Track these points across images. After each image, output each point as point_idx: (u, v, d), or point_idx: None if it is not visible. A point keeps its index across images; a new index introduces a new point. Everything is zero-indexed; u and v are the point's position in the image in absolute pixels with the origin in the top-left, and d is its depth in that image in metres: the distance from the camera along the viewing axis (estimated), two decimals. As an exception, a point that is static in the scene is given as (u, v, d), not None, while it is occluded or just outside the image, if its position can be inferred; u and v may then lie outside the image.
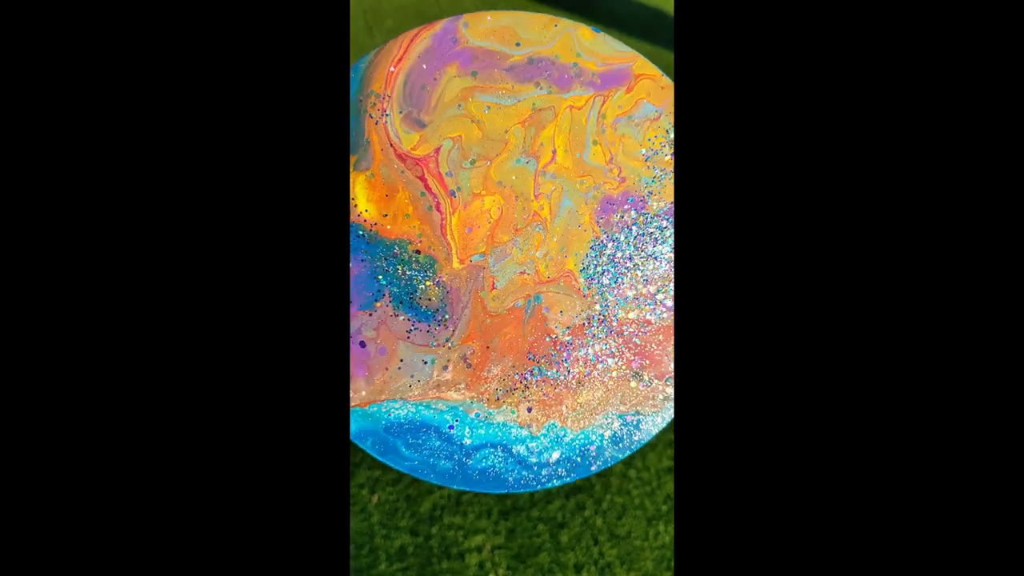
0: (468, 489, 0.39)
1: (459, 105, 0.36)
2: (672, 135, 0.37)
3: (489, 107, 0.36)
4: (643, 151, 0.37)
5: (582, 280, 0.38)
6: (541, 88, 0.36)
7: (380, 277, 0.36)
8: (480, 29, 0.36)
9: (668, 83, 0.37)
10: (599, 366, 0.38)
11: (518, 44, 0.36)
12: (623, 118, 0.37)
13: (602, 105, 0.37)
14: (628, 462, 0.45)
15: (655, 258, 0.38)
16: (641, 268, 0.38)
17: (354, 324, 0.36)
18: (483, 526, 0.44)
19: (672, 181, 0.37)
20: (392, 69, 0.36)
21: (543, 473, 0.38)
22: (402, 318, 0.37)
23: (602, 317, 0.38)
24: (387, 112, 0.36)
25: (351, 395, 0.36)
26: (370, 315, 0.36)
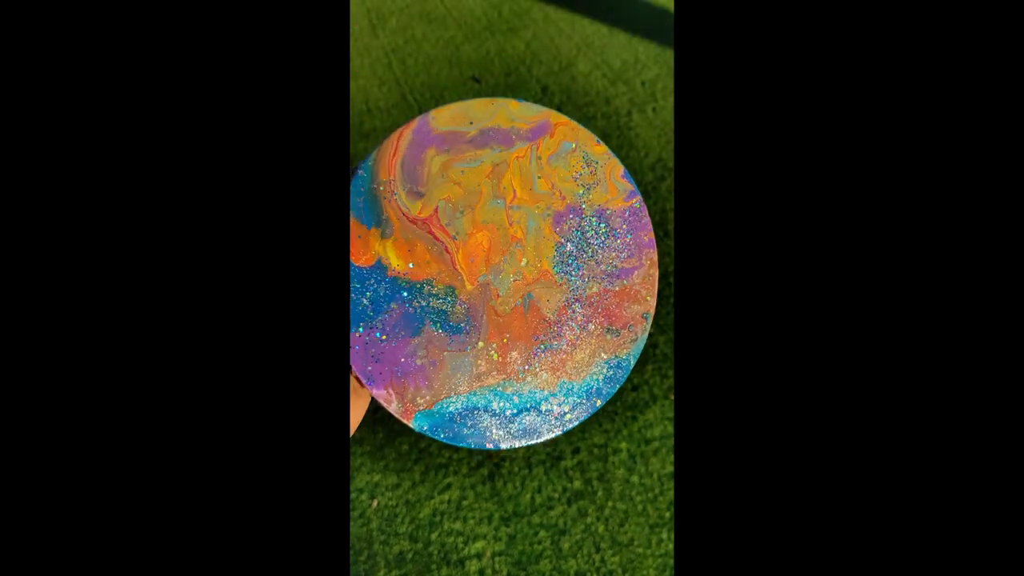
0: (512, 447, 0.52)
1: (443, 175, 0.49)
2: (584, 160, 0.53)
3: (464, 171, 0.50)
4: (572, 176, 0.52)
5: (556, 274, 0.52)
6: (494, 149, 0.51)
7: (418, 311, 0.49)
8: (443, 118, 0.50)
9: (576, 124, 0.53)
10: (582, 333, 0.53)
11: (471, 123, 0.50)
12: (552, 156, 0.52)
13: (536, 151, 0.52)
14: (631, 467, 0.44)
15: (601, 247, 0.53)
16: (592, 255, 0.53)
17: (409, 349, 0.48)
18: (483, 532, 0.42)
19: (600, 189, 0.53)
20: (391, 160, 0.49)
21: (566, 418, 0.52)
22: (441, 335, 0.49)
23: (577, 297, 0.53)
24: (395, 192, 0.49)
25: (418, 402, 0.49)
26: (419, 339, 0.49)
